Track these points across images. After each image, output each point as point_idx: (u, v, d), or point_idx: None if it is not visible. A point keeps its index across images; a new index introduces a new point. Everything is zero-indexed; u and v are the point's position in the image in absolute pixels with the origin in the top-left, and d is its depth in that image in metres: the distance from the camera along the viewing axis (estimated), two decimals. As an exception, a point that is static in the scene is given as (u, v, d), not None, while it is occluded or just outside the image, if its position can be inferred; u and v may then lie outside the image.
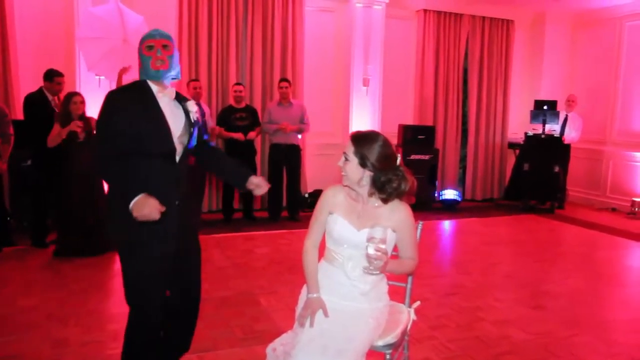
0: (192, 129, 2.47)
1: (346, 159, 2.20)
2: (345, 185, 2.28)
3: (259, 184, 2.62)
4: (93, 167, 2.40)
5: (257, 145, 7.23)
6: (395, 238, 2.25)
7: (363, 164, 2.17)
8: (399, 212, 2.24)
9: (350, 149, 2.20)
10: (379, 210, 2.23)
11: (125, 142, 2.27)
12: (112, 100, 2.32)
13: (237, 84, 6.73)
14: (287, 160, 6.78)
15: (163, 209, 2.20)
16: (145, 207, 2.16)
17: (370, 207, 2.24)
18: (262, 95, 7.31)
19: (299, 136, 6.87)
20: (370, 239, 2.04)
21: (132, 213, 2.16)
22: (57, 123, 4.92)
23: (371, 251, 2.04)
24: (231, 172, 2.75)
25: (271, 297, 4.11)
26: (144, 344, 2.42)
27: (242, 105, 6.62)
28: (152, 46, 2.36)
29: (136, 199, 2.17)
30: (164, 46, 2.37)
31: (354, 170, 2.20)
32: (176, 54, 2.42)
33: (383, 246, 2.05)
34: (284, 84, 6.67)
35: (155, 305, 2.41)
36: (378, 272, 2.12)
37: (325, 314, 2.16)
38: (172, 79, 2.42)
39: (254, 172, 6.82)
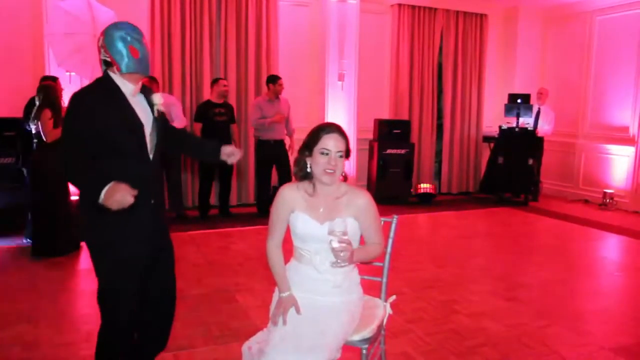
0: (158, 122, 2.42)
1: (341, 156, 2.18)
2: (305, 181, 2.26)
3: (232, 152, 2.58)
4: (61, 172, 2.29)
5: (240, 142, 7.24)
6: (359, 225, 2.25)
7: (347, 155, 2.20)
8: (358, 199, 2.24)
9: (343, 144, 2.18)
10: (338, 200, 2.23)
11: (97, 144, 2.19)
12: (80, 103, 2.23)
13: (223, 78, 6.73)
14: (276, 156, 6.73)
15: (135, 191, 2.12)
16: (116, 193, 2.09)
17: (330, 198, 2.23)
18: (236, 91, 7.25)
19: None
20: (331, 233, 2.04)
21: (105, 203, 2.09)
22: (49, 110, 4.72)
23: (335, 244, 2.04)
24: (201, 147, 2.75)
25: (247, 293, 4.08)
26: (116, 346, 2.38)
27: (221, 100, 6.57)
28: (144, 43, 2.33)
29: (105, 188, 2.10)
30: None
31: (343, 164, 2.21)
32: None
33: (346, 237, 2.05)
34: (282, 81, 6.68)
35: (128, 307, 2.36)
36: (346, 264, 2.12)
37: (298, 311, 2.15)
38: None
39: (231, 170, 6.82)
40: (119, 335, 2.38)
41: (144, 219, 2.31)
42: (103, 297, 2.35)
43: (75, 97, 2.26)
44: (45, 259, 4.82)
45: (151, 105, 2.42)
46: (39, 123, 4.74)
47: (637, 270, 5.04)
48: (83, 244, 5.16)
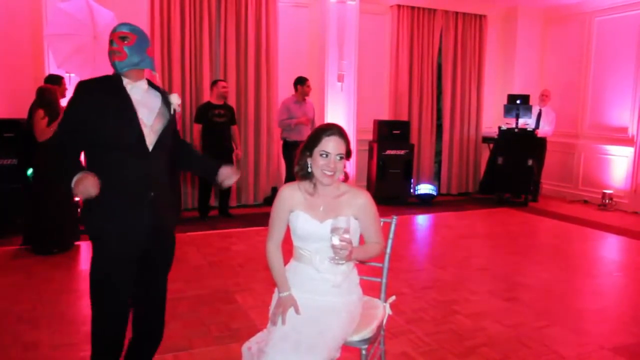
0: (168, 120, 2.43)
1: (341, 158, 2.20)
2: (306, 181, 2.27)
3: (229, 175, 2.60)
4: (49, 157, 2.36)
5: (263, 142, 7.39)
6: (359, 225, 2.26)
7: (347, 155, 2.22)
8: (358, 199, 2.26)
9: (343, 147, 2.20)
10: (338, 199, 2.25)
11: (94, 133, 2.23)
12: (80, 91, 2.31)
13: (223, 80, 6.74)
14: None
15: (98, 186, 2.14)
16: (80, 184, 2.13)
17: (330, 197, 2.25)
18: (236, 92, 7.25)
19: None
20: (334, 230, 2.05)
21: (74, 191, 2.14)
22: (42, 110, 4.81)
23: (336, 242, 2.05)
24: (200, 164, 2.78)
25: (247, 294, 4.08)
26: (109, 345, 2.36)
27: (221, 102, 6.58)
28: (112, 41, 2.35)
29: (76, 177, 2.14)
30: (121, 38, 2.33)
31: (343, 165, 2.22)
32: (138, 44, 2.35)
33: (347, 236, 2.06)
34: (310, 82, 6.82)
35: (119, 304, 2.35)
36: (344, 261, 2.13)
37: (297, 311, 2.16)
38: (135, 67, 2.36)
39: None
40: (111, 334, 2.36)
41: (141, 213, 2.31)
42: (93, 289, 2.34)
43: (79, 85, 2.35)
44: (43, 258, 4.83)
45: (167, 103, 2.45)
46: (32, 122, 4.85)
47: (637, 270, 5.04)
48: (76, 243, 5.23)
